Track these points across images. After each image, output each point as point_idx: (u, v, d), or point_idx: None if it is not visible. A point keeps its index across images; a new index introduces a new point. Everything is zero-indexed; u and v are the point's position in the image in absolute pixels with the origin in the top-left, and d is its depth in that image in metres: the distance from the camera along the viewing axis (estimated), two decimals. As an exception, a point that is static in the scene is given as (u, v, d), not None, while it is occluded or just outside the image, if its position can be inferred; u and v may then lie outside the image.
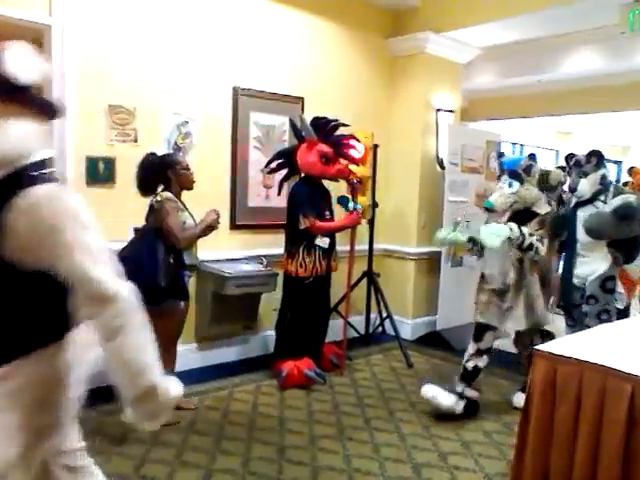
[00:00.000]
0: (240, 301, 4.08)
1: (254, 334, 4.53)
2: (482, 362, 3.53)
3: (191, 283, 4.07)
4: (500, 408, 3.69)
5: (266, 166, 4.18)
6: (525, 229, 3.30)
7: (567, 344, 2.40)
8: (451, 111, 5.43)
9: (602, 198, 3.80)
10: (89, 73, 3.59)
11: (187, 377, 3.88)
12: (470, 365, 3.53)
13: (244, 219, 4.42)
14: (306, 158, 3.99)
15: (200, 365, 4.19)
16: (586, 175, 3.82)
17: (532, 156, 3.70)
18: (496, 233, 3.22)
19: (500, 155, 3.93)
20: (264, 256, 4.31)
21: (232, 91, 4.29)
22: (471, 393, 3.52)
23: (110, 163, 3.68)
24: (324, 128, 4.04)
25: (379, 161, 4.82)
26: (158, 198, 3.19)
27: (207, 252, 4.07)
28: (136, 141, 3.78)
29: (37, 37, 3.52)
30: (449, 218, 5.14)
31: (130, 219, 3.33)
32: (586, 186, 3.79)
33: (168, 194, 3.22)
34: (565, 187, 4.04)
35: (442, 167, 5.30)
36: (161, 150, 3.90)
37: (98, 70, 3.62)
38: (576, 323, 3.98)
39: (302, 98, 4.69)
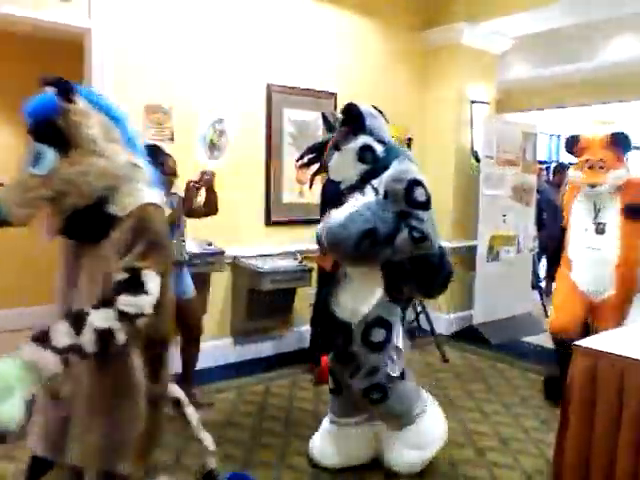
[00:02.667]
0: (275, 296, 4.12)
1: (289, 329, 4.57)
2: None
3: (226, 278, 4.15)
4: (537, 405, 3.63)
5: (297, 161, 4.19)
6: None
7: (608, 339, 2.35)
8: (486, 103, 5.36)
9: (375, 183, 2.40)
10: (127, 74, 3.66)
11: (224, 372, 3.98)
12: None
13: (278, 215, 4.46)
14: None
15: (236, 360, 4.26)
16: (338, 147, 2.50)
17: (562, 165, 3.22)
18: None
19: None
20: (298, 252, 4.34)
21: (266, 88, 4.32)
22: None
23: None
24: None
25: (413, 154, 4.78)
26: None
27: (242, 248, 4.13)
28: (172, 140, 3.84)
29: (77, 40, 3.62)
30: (485, 212, 5.09)
31: (168, 216, 3.39)
32: (341, 164, 2.49)
33: None
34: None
35: (477, 160, 5.23)
36: (197, 149, 3.97)
37: (135, 71, 3.70)
38: (341, 388, 2.70)
39: (335, 93, 4.69)
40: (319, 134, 4.53)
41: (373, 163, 2.45)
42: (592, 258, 3.41)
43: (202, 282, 3.83)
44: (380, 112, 2.60)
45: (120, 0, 3.59)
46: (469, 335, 5.07)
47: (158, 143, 3.78)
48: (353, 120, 2.48)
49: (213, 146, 4.06)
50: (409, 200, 2.31)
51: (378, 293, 2.46)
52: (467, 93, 5.24)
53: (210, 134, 4.05)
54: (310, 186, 4.17)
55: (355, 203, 2.38)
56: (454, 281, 2.71)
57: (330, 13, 4.63)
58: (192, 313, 3.48)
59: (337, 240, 2.30)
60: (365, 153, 2.46)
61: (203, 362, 3.96)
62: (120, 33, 3.62)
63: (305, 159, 4.12)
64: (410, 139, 4.75)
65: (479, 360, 4.51)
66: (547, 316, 4.97)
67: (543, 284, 6.44)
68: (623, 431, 2.07)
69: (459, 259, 5.29)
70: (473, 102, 5.26)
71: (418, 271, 2.42)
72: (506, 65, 6.54)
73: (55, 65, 4.83)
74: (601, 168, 3.33)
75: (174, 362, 3.49)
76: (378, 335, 2.44)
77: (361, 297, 2.48)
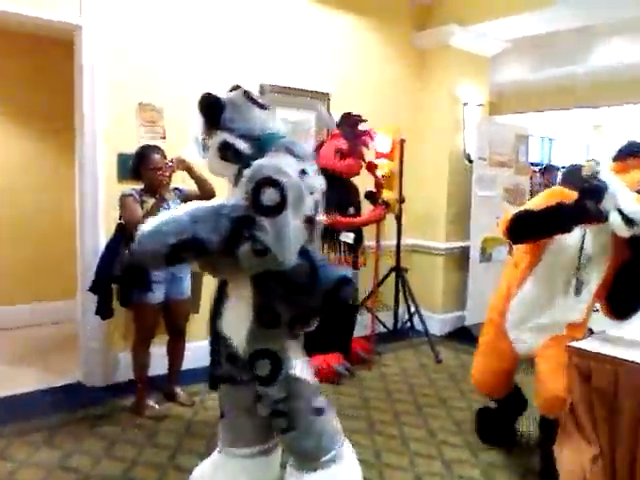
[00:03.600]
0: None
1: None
2: None
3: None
4: (532, 407, 3.63)
5: None
6: None
7: (602, 341, 2.34)
8: (479, 105, 5.37)
9: (245, 185, 1.95)
10: (119, 72, 3.64)
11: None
12: None
13: (271, 215, 4.44)
14: (323, 151, 3.99)
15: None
16: (205, 144, 2.26)
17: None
18: None
19: None
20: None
21: (259, 88, 4.30)
22: None
23: (140, 160, 3.74)
24: (346, 122, 4.04)
25: (406, 156, 4.78)
26: (120, 194, 3.24)
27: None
28: (164, 138, 3.82)
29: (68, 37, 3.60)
30: (478, 213, 5.10)
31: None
32: (210, 163, 2.24)
33: (127, 189, 3.26)
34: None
35: (470, 161, 5.25)
36: (189, 147, 3.94)
37: (128, 69, 3.68)
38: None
39: (328, 94, 4.68)
40: (312, 134, 4.54)
41: (239, 162, 2.06)
42: (544, 320, 2.69)
43: (195, 281, 3.80)
44: (253, 99, 2.24)
45: (113, -2, 3.58)
46: (462, 335, 5.07)
47: (151, 142, 3.77)
48: (208, 114, 2.18)
49: (206, 146, 4.04)
50: (255, 204, 1.87)
51: (250, 317, 2.03)
52: (459, 95, 5.25)
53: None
54: None
55: (178, 209, 2.00)
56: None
57: (322, 13, 4.63)
58: (184, 313, 3.47)
59: (142, 251, 1.91)
60: (225, 152, 2.12)
61: (197, 362, 3.93)
62: (111, 31, 3.60)
63: None
64: (403, 140, 4.75)
65: (472, 360, 4.49)
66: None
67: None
68: (619, 433, 2.06)
69: (452, 260, 5.31)
70: (465, 104, 5.27)
71: (286, 289, 1.98)
72: (499, 68, 6.57)
73: (46, 62, 4.82)
74: None
75: (160, 362, 3.49)
76: (263, 368, 2.04)
77: (239, 322, 2.05)
